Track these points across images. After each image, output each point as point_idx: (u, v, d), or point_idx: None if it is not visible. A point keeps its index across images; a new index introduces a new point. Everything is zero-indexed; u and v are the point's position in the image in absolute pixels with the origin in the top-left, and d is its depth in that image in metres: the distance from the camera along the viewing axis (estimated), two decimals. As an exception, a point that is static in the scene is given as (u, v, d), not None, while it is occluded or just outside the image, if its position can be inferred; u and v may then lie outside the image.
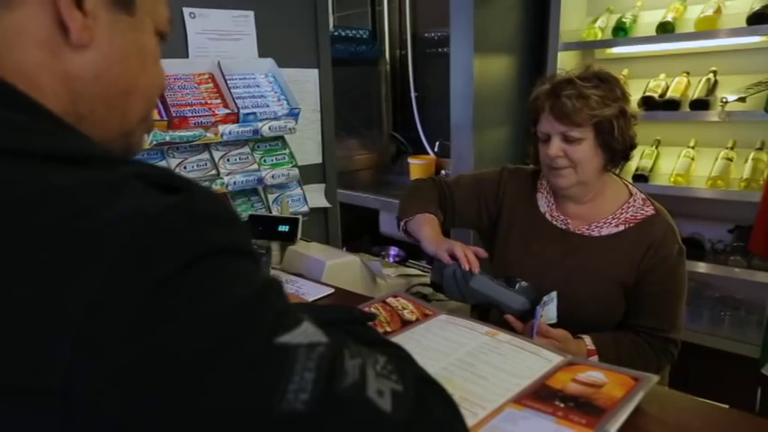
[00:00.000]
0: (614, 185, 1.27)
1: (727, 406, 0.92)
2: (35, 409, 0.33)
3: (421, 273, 1.56)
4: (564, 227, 1.27)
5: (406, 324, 1.03)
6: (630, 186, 1.29)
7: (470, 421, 0.70)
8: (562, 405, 0.71)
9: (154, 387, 0.34)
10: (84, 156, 0.41)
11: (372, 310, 1.07)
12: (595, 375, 0.78)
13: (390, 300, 1.12)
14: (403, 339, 0.96)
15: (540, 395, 0.75)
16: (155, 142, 1.37)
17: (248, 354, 0.36)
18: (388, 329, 1.01)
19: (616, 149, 1.18)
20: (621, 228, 1.22)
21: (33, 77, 0.44)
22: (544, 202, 1.32)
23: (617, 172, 1.29)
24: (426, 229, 1.23)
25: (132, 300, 0.34)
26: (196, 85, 1.52)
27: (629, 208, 1.24)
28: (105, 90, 0.48)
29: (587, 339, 1.14)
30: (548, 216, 1.30)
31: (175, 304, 0.35)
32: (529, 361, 0.86)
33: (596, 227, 1.24)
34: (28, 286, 0.34)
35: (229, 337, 0.36)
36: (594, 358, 1.14)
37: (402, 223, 1.30)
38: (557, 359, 0.86)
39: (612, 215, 1.24)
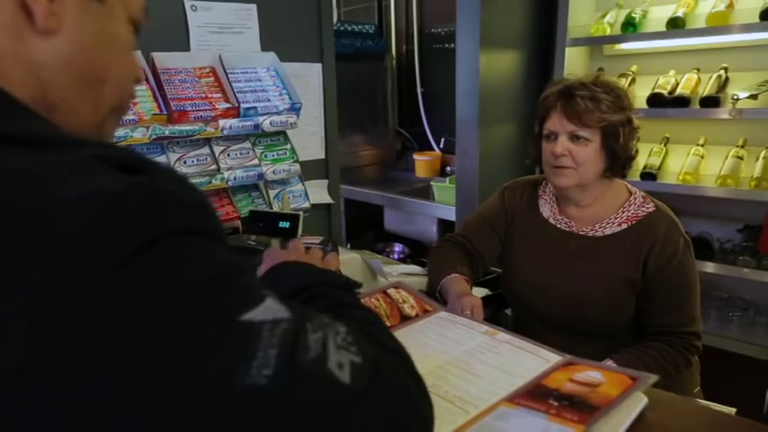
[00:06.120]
0: (614, 186, 1.28)
1: (734, 410, 0.90)
2: None
3: (423, 272, 1.54)
4: (568, 229, 1.29)
5: (405, 319, 1.02)
6: (629, 186, 1.30)
7: (462, 419, 0.69)
8: (556, 403, 0.70)
9: (113, 368, 0.33)
10: (42, 139, 0.40)
11: (373, 300, 1.06)
12: (593, 375, 0.76)
13: (391, 291, 1.11)
14: (401, 335, 0.94)
15: (535, 394, 0.73)
16: (154, 136, 1.36)
17: (211, 332, 0.36)
18: (387, 324, 0.99)
19: (618, 157, 1.20)
20: (624, 226, 1.23)
21: None
22: (547, 207, 1.34)
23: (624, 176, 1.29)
24: (451, 290, 1.23)
25: (88, 280, 0.34)
26: (197, 79, 1.51)
27: (629, 206, 1.25)
28: (75, 78, 0.47)
29: (610, 364, 1.10)
30: (551, 220, 1.32)
31: (133, 284, 0.35)
32: (526, 361, 0.84)
33: (600, 227, 1.25)
34: None
35: (191, 315, 0.36)
36: None
37: (437, 294, 1.29)
38: (554, 359, 0.84)
39: (615, 215, 1.25)
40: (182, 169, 1.45)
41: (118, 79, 0.51)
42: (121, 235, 0.35)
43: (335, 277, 0.66)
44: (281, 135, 1.66)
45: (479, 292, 1.49)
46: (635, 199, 1.26)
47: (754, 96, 1.83)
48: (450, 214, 2.56)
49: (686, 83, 2.03)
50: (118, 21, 0.50)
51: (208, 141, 1.52)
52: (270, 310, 0.40)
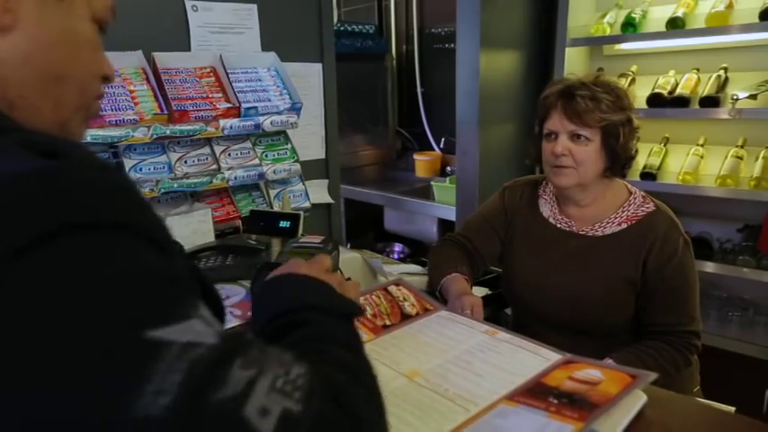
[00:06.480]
0: (613, 186, 1.28)
1: (733, 408, 0.91)
2: None
3: (423, 271, 1.54)
4: (568, 229, 1.29)
5: (405, 318, 1.03)
6: (629, 185, 1.31)
7: (462, 417, 0.69)
8: (555, 401, 0.70)
9: None
10: None
11: (374, 297, 1.07)
12: (592, 373, 0.76)
13: (392, 288, 1.12)
14: (402, 334, 0.96)
15: (535, 392, 0.74)
16: (155, 136, 1.36)
17: (104, 345, 0.31)
18: (388, 323, 1.00)
19: (618, 156, 1.20)
20: (624, 226, 1.23)
21: None
22: (547, 207, 1.34)
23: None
24: (451, 289, 1.23)
25: None
26: (197, 79, 1.51)
27: (629, 206, 1.25)
28: (35, 75, 0.46)
29: (609, 362, 1.09)
30: (551, 220, 1.32)
31: (19, 283, 0.30)
32: (526, 359, 0.85)
33: (599, 227, 1.25)
34: None
35: (83, 323, 0.31)
36: None
37: (437, 294, 1.29)
38: (554, 357, 0.84)
39: (614, 214, 1.25)
40: (183, 169, 1.45)
41: (81, 77, 0.50)
42: (13, 225, 0.31)
43: (338, 304, 0.57)
44: (281, 135, 1.67)
45: (479, 291, 1.50)
46: (635, 199, 1.26)
47: (753, 96, 1.84)
48: (450, 214, 2.57)
49: (686, 83, 2.04)
50: (79, 18, 0.49)
51: (208, 141, 1.53)
52: (190, 331, 0.33)
